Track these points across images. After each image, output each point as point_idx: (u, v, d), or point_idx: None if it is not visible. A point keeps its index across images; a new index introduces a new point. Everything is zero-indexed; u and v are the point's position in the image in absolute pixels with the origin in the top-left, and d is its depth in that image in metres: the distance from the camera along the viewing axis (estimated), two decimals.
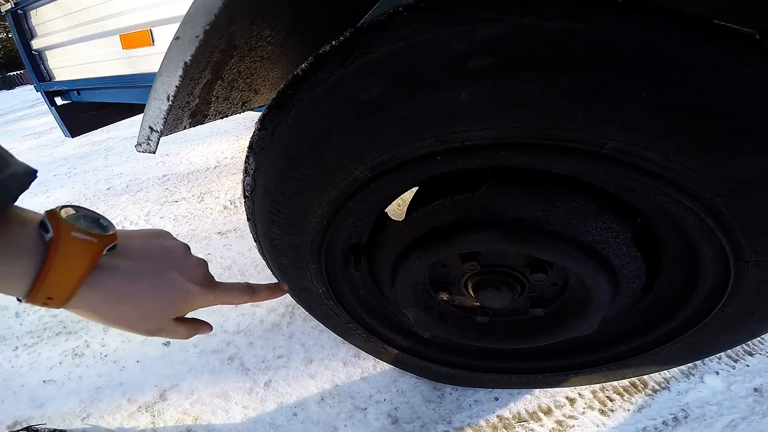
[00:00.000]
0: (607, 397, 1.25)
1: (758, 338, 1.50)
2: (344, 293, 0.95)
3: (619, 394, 1.26)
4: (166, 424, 1.24)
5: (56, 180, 3.49)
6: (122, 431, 1.24)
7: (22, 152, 4.84)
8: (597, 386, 1.28)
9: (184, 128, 1.06)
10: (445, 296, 0.86)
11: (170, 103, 0.72)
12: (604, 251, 0.68)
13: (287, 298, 1.61)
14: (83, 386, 1.41)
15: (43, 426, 1.29)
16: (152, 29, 1.56)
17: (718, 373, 1.36)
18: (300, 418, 1.22)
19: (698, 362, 1.39)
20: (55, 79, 2.23)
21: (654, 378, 1.31)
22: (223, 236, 2.11)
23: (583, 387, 1.27)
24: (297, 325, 1.52)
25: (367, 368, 1.34)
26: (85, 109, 2.41)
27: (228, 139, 3.80)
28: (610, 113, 0.47)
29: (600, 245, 0.67)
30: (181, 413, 1.27)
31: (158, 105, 0.75)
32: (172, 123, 0.97)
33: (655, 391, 1.28)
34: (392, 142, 0.58)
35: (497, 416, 1.20)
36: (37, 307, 1.80)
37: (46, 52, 2.18)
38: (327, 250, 0.81)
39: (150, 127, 0.88)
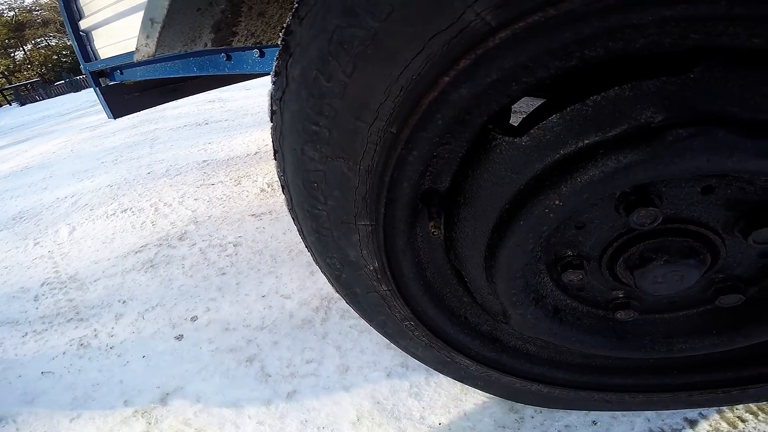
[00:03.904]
0: (738, 417, 0.89)
1: None
2: (404, 272, 0.63)
3: (752, 413, 0.89)
4: None
5: (102, 167, 3.51)
6: None
7: (76, 143, 5.00)
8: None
9: (205, 45, 0.81)
10: (575, 276, 0.52)
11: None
12: None
13: (325, 287, 1.33)
14: (80, 381, 1.22)
15: None
16: None
17: None
18: None
19: None
20: (100, 58, 2.22)
21: None
22: (257, 218, 1.89)
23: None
24: (333, 323, 1.22)
25: (418, 382, 1.02)
26: (128, 91, 2.40)
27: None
28: None
29: None
30: (182, 423, 1.01)
31: None
32: (188, 28, 0.72)
33: None
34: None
35: None
36: (56, 291, 1.70)
37: (92, 32, 2.18)
38: (390, 191, 0.50)
39: (151, 20, 0.63)
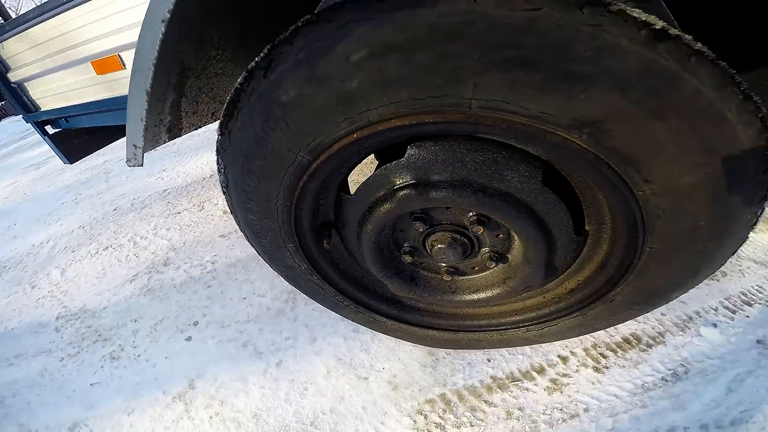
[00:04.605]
0: (600, 354, 1.34)
1: (756, 286, 1.56)
2: (324, 267, 1.10)
3: (612, 350, 1.35)
4: (198, 409, 1.42)
5: (65, 208, 3.65)
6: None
7: (26, 185, 4.99)
8: (589, 344, 1.37)
9: (165, 142, 1.20)
10: (408, 259, 1.00)
11: (144, 123, 0.87)
12: (521, 196, 0.81)
13: (287, 286, 1.76)
14: (124, 385, 1.60)
15: None
16: (120, 54, 1.62)
17: (715, 325, 1.39)
18: (310, 392, 1.39)
19: (691, 313, 1.45)
20: (42, 109, 2.28)
21: (647, 333, 1.38)
22: (226, 238, 2.28)
23: (575, 345, 1.37)
24: (300, 309, 1.69)
25: (366, 341, 1.51)
26: (77, 135, 2.45)
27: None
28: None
29: (516, 191, 0.81)
30: (209, 398, 1.44)
31: (135, 126, 0.90)
32: (153, 139, 1.12)
33: (649, 345, 1.35)
34: (315, 128, 0.74)
35: (491, 377, 1.32)
36: (72, 321, 2.03)
37: (25, 83, 2.21)
38: (297, 228, 0.96)
39: (134, 145, 1.01)
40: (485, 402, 1.26)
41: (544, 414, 1.21)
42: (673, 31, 0.54)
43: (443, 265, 1.05)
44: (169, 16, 0.68)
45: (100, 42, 1.64)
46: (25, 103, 2.27)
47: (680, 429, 1.17)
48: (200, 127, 1.28)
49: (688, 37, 0.54)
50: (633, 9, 0.53)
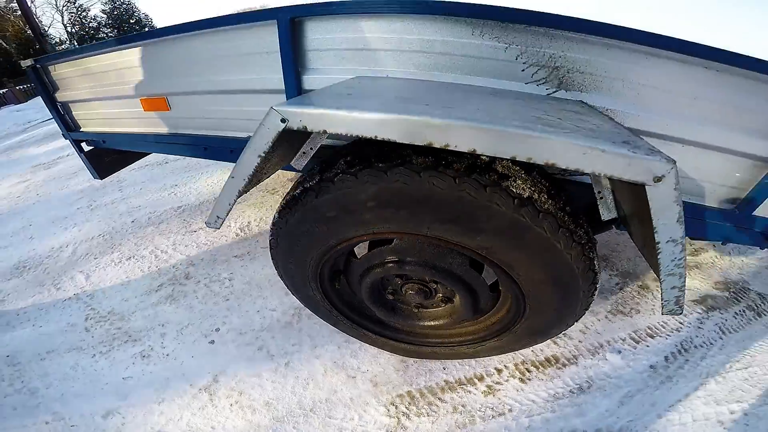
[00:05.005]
0: (526, 369, 1.82)
1: (662, 322, 2.07)
2: (333, 299, 1.59)
3: (535, 366, 1.83)
4: (220, 399, 1.82)
5: (81, 213, 3.90)
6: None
7: (38, 185, 5.13)
8: (519, 360, 1.84)
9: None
10: (390, 296, 1.50)
11: (230, 206, 1.27)
12: (457, 271, 1.33)
13: (295, 302, 2.20)
14: (155, 379, 1.95)
15: None
16: (168, 98, 1.94)
17: (620, 351, 1.88)
18: (311, 386, 1.83)
19: (603, 342, 1.95)
20: (82, 129, 2.50)
21: (564, 355, 1.87)
22: (240, 258, 2.70)
23: (509, 360, 1.85)
24: (304, 323, 2.13)
25: (355, 349, 1.96)
26: (108, 154, 2.68)
27: (230, 168, 4.23)
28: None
29: (454, 268, 1.33)
30: (230, 390, 1.85)
31: (224, 205, 1.27)
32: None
33: (564, 365, 1.83)
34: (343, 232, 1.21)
35: (444, 380, 1.80)
36: (102, 323, 2.39)
37: (70, 104, 2.42)
38: (320, 275, 1.45)
39: (217, 216, 1.38)
40: (439, 399, 1.72)
41: (480, 411, 1.68)
42: (533, 199, 1.03)
43: (412, 302, 1.55)
44: (265, 152, 1.11)
45: (152, 83, 1.92)
46: (67, 122, 2.49)
47: (580, 431, 1.65)
48: None
49: (541, 200, 1.04)
50: (511, 185, 1.03)
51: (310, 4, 1.39)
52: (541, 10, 1.17)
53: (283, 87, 1.52)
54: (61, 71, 2.30)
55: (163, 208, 3.65)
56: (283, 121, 1.00)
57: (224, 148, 1.93)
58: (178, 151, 2.14)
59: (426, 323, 1.64)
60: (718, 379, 1.84)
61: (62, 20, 35.40)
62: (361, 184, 1.10)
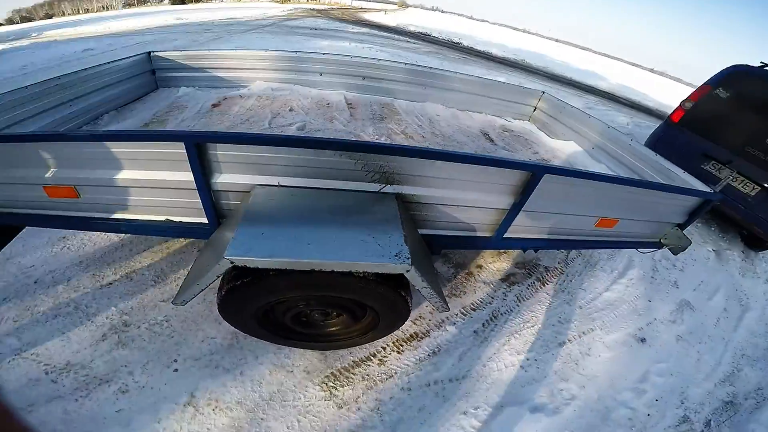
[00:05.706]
0: (401, 344, 2.99)
1: (483, 298, 3.51)
2: (261, 323, 2.50)
3: (405, 342, 3.00)
4: (203, 407, 2.54)
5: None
6: None
7: None
8: (395, 339, 3.00)
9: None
10: (304, 318, 2.54)
11: (196, 295, 2.01)
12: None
13: (230, 329, 2.91)
14: (144, 406, 2.43)
15: None
16: (76, 186, 2.02)
17: (455, 324, 3.11)
18: (264, 384, 2.70)
19: (444, 318, 3.20)
20: None
21: (421, 331, 3.05)
22: (167, 303, 2.96)
23: (389, 342, 2.99)
24: (243, 342, 2.87)
25: (287, 352, 2.90)
26: None
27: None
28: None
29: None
30: (208, 399, 2.54)
31: (192, 292, 2.00)
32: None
33: (422, 338, 3.02)
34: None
35: (352, 361, 2.86)
36: (66, 372, 2.68)
37: None
38: (256, 316, 2.40)
39: (183, 299, 2.06)
40: (351, 373, 2.80)
41: (378, 376, 2.79)
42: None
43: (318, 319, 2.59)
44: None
45: (57, 172, 1.92)
46: None
47: (436, 381, 2.81)
48: None
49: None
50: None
51: (212, 132, 1.99)
52: (375, 141, 2.16)
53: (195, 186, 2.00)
54: None
55: (64, 265, 3.41)
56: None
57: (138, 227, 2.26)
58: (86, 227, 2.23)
59: (329, 330, 2.71)
60: (516, 336, 3.20)
61: None
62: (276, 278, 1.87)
